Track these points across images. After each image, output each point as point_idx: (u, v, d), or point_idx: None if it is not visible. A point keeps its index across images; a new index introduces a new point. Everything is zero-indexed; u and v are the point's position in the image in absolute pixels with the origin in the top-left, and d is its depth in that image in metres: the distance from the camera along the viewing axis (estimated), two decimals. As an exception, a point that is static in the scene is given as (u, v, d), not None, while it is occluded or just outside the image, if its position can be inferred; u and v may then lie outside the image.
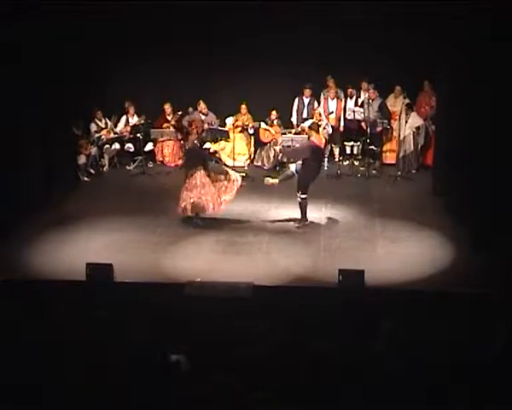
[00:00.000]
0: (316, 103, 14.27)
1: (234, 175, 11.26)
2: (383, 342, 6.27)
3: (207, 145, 13.62)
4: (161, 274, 9.50)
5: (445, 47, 11.66)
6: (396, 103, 13.98)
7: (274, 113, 14.26)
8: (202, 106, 14.21)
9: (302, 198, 10.94)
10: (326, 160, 14.19)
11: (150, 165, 14.35)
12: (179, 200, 10.95)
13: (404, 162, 13.51)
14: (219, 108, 14.37)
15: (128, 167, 14.22)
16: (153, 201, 12.17)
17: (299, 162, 11.05)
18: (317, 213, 11.52)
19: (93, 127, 14.00)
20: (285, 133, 13.75)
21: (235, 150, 13.99)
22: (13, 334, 6.35)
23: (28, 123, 11.30)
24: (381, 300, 8.26)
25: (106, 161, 14.11)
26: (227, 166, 13.86)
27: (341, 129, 14.32)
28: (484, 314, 7.35)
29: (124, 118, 14.32)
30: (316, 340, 6.23)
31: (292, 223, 11.16)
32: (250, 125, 14.36)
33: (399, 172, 13.32)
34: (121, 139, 14.25)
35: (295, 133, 13.67)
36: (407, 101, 13.59)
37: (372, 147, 13.72)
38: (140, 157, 14.09)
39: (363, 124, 13.74)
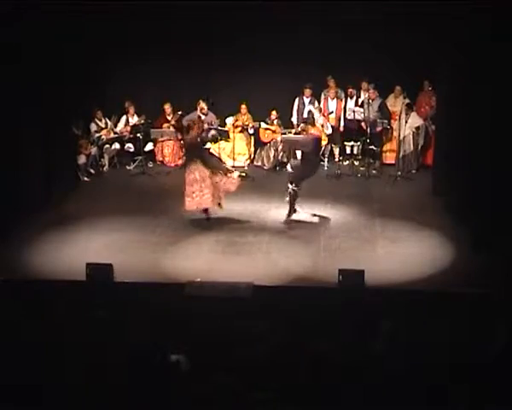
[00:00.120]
0: (316, 103, 14.26)
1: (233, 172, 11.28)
2: (383, 342, 6.27)
3: (207, 145, 13.63)
4: (161, 274, 9.49)
5: (445, 47, 11.66)
6: (396, 103, 13.98)
7: (274, 113, 14.26)
8: (202, 106, 14.21)
9: (294, 190, 10.95)
10: (326, 160, 14.22)
11: (150, 165, 14.35)
12: (184, 196, 10.94)
13: (403, 162, 13.51)
14: (219, 108, 14.36)
15: (128, 167, 14.22)
16: (153, 201, 12.17)
17: (299, 158, 11.12)
18: (317, 213, 11.51)
19: (93, 127, 14.00)
20: (285, 133, 13.73)
21: (235, 150, 13.99)
22: (13, 334, 6.35)
23: (28, 123, 11.30)
24: (381, 300, 8.26)
25: (106, 160, 14.11)
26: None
27: (341, 129, 14.32)
28: (484, 314, 7.35)
29: (124, 118, 14.32)
30: (316, 340, 6.23)
31: (292, 223, 11.17)
32: (250, 125, 14.36)
33: (399, 172, 13.32)
34: (121, 139, 14.25)
35: (295, 133, 13.65)
36: (407, 101, 13.59)
37: (372, 147, 13.72)
38: (140, 157, 14.10)
39: (363, 124, 13.74)
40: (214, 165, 11.24)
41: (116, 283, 8.83)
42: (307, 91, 14.17)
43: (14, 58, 10.66)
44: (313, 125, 11.22)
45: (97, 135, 13.95)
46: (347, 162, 14.13)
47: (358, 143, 14.06)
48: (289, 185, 10.98)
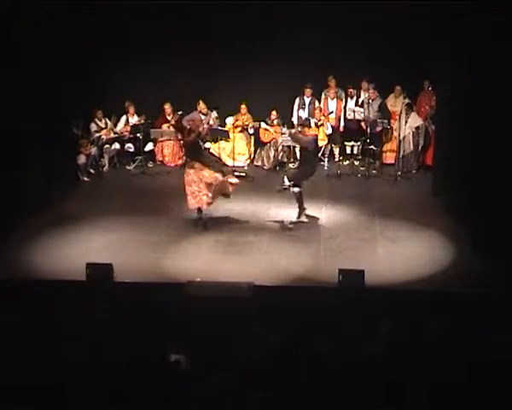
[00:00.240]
0: (317, 103, 14.27)
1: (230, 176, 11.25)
2: (383, 342, 6.27)
3: (207, 145, 13.64)
4: (161, 274, 9.50)
5: (446, 47, 11.66)
6: (396, 103, 13.98)
7: (274, 113, 14.26)
8: (202, 106, 14.20)
9: (295, 191, 11.00)
10: (326, 160, 14.22)
11: (150, 165, 14.35)
12: (185, 196, 10.96)
13: (403, 162, 13.51)
14: (219, 108, 14.34)
15: (128, 167, 14.22)
16: (153, 201, 12.17)
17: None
18: (317, 213, 11.51)
19: (93, 127, 13.99)
20: (285, 133, 13.74)
21: (235, 150, 13.99)
22: (13, 334, 6.35)
23: (28, 123, 11.30)
24: (381, 300, 8.26)
25: (106, 160, 14.11)
26: (226, 165, 13.94)
27: (341, 129, 14.32)
28: (484, 314, 7.35)
29: (124, 118, 14.31)
30: (316, 340, 6.23)
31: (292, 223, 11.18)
32: (250, 125, 14.36)
33: (399, 172, 13.32)
34: (121, 139, 14.24)
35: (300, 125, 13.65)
36: (407, 101, 13.60)
37: (372, 147, 13.72)
38: (140, 157, 14.10)
39: (362, 124, 13.75)
40: (212, 166, 11.20)
41: (116, 283, 8.83)
42: (308, 91, 14.17)
43: (14, 58, 10.66)
44: (309, 126, 11.24)
45: (97, 135, 13.95)
46: (347, 162, 14.13)
47: (358, 143, 14.07)
48: (291, 189, 10.98)
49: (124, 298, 8.32)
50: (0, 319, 6.70)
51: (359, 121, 13.77)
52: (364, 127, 13.70)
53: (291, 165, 13.85)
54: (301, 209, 11.15)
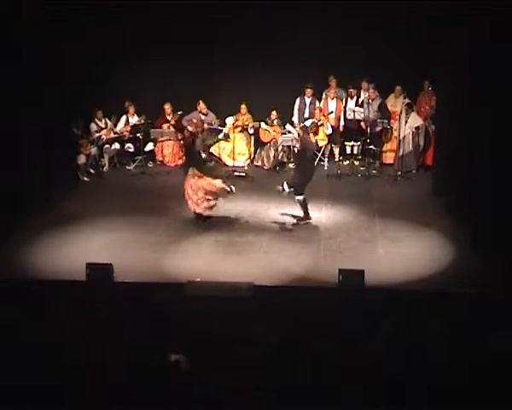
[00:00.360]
0: (317, 103, 14.27)
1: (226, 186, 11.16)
2: (383, 342, 6.27)
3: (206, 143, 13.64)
4: (161, 274, 9.50)
5: (445, 47, 11.66)
6: (396, 103, 13.98)
7: (274, 113, 14.26)
8: (202, 106, 14.20)
9: (299, 199, 10.97)
10: (326, 160, 14.22)
11: (150, 165, 14.34)
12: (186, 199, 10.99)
13: (402, 162, 13.50)
14: (219, 108, 14.36)
15: (128, 167, 14.21)
16: (153, 201, 12.16)
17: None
18: (317, 213, 11.52)
19: (93, 127, 13.98)
20: (285, 133, 13.75)
21: (235, 150, 13.98)
22: (13, 334, 6.35)
23: (28, 123, 11.30)
24: (381, 300, 8.26)
25: (106, 161, 14.10)
26: (226, 165, 13.94)
27: (341, 129, 14.32)
28: (484, 314, 7.35)
29: (124, 118, 14.30)
30: (316, 340, 6.23)
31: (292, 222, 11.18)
32: (250, 125, 14.36)
33: (399, 172, 13.32)
34: (121, 139, 14.24)
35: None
36: (407, 101, 13.60)
37: (372, 147, 13.72)
38: (140, 157, 14.09)
39: (362, 124, 13.75)
40: (211, 173, 11.15)
41: (116, 283, 8.83)
42: (308, 91, 14.16)
43: (14, 58, 10.66)
44: (308, 133, 11.15)
45: (97, 135, 13.94)
46: (347, 162, 14.12)
47: (358, 143, 14.07)
48: (296, 197, 10.96)
49: (124, 298, 8.32)
50: (0, 319, 6.70)
51: (359, 121, 13.77)
52: (364, 127, 13.70)
53: (291, 165, 13.85)
54: (306, 216, 11.11)
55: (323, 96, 14.38)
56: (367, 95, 13.82)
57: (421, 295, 8.60)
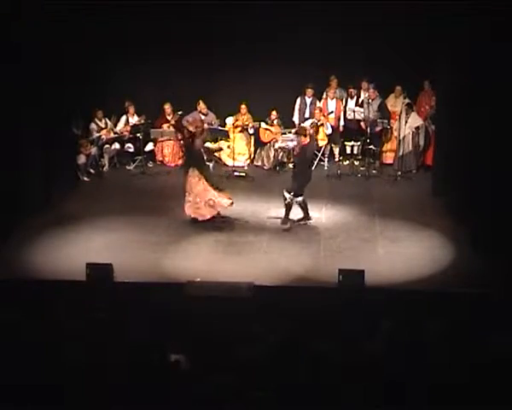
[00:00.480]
0: (318, 103, 14.26)
1: (224, 200, 11.03)
2: (383, 342, 6.27)
3: (207, 145, 13.62)
4: (161, 274, 9.50)
5: (445, 47, 11.66)
6: (396, 103, 13.98)
7: (274, 113, 14.26)
8: (202, 106, 14.20)
9: (299, 200, 10.92)
10: (326, 160, 14.22)
11: (150, 165, 14.34)
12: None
13: (402, 162, 13.50)
14: (219, 108, 14.36)
15: (128, 167, 14.21)
16: (153, 201, 12.16)
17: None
18: (317, 213, 11.51)
19: (93, 127, 13.97)
20: (285, 133, 13.74)
21: (235, 150, 13.99)
22: (13, 334, 6.35)
23: (28, 123, 11.30)
24: (381, 300, 8.26)
25: (106, 161, 14.10)
26: (226, 165, 13.93)
27: (341, 129, 14.31)
28: (484, 314, 7.35)
29: (124, 118, 14.30)
30: (316, 340, 6.23)
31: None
32: (250, 125, 14.36)
33: (399, 172, 13.33)
34: (121, 139, 14.24)
35: (295, 133, 13.65)
36: (407, 101, 13.61)
37: (372, 147, 13.72)
38: (140, 157, 14.09)
39: (362, 124, 13.75)
40: (210, 179, 11.07)
41: (116, 283, 8.83)
42: (309, 91, 14.15)
43: (14, 58, 10.66)
44: (305, 135, 11.05)
45: (97, 135, 13.94)
46: (347, 162, 14.12)
47: (358, 143, 14.07)
48: (294, 199, 10.89)
49: (124, 298, 8.32)
50: (0, 319, 6.71)
51: (359, 121, 13.78)
52: (364, 127, 13.70)
53: (291, 165, 13.84)
54: (306, 216, 11.10)
55: (324, 95, 14.37)
56: (367, 95, 13.82)
57: (421, 295, 8.61)
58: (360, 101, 13.97)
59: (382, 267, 9.61)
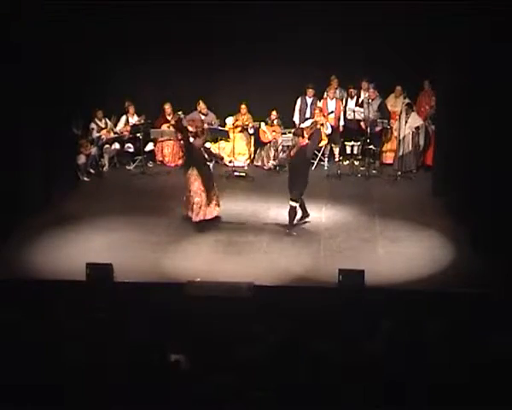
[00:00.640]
0: (318, 103, 14.27)
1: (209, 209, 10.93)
2: (383, 342, 6.27)
3: (207, 145, 13.62)
4: (161, 274, 9.50)
5: (445, 47, 11.66)
6: (396, 103, 13.99)
7: (274, 113, 14.26)
8: (202, 106, 14.21)
9: (293, 206, 10.78)
10: (326, 160, 14.23)
11: (150, 165, 14.35)
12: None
13: (402, 162, 13.50)
14: (219, 108, 14.36)
15: (128, 167, 14.22)
16: (153, 201, 12.16)
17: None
18: (317, 213, 11.51)
19: (93, 127, 13.98)
20: (285, 133, 13.74)
21: (235, 150, 13.99)
22: (13, 334, 6.35)
23: (28, 123, 11.30)
24: (381, 300, 8.26)
25: (106, 161, 14.10)
26: (226, 165, 13.92)
27: (341, 129, 14.32)
28: (484, 314, 7.35)
29: (124, 118, 14.31)
30: (316, 340, 6.23)
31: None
32: (250, 125, 14.36)
33: (399, 172, 13.33)
34: (121, 139, 14.24)
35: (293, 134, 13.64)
36: (407, 101, 13.61)
37: (372, 147, 13.72)
38: (140, 157, 14.10)
39: (362, 124, 13.75)
40: (207, 179, 10.97)
41: (116, 283, 8.83)
42: (310, 91, 14.16)
43: (14, 58, 10.66)
44: (303, 136, 10.95)
45: (97, 135, 13.94)
46: (347, 162, 14.13)
47: (358, 143, 14.07)
48: (292, 203, 10.78)
49: (124, 298, 8.32)
50: (0, 319, 6.71)
51: (359, 121, 13.78)
52: (364, 127, 13.70)
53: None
54: (304, 213, 11.09)
55: (324, 95, 14.37)
56: (367, 95, 13.82)
57: (421, 295, 8.60)
58: (360, 101, 13.97)
59: (382, 267, 9.61)
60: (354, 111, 13.72)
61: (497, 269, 9.11)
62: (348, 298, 8.32)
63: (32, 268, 9.59)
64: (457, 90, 11.15)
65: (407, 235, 10.75)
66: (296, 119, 14.29)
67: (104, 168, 14.08)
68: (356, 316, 7.38)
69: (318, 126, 13.22)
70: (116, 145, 14.20)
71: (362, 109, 13.59)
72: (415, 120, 13.50)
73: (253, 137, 14.55)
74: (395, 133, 13.76)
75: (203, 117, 14.04)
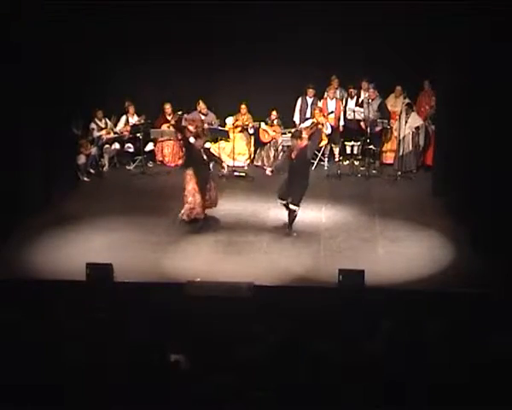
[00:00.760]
0: (319, 103, 14.26)
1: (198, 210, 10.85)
2: (383, 342, 6.27)
3: (207, 145, 13.63)
4: (161, 274, 9.50)
5: (445, 47, 11.66)
6: (397, 103, 13.99)
7: (274, 113, 14.26)
8: (202, 106, 14.21)
9: (293, 209, 10.71)
10: (326, 160, 14.23)
11: (150, 165, 14.35)
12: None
13: (402, 162, 13.50)
14: (219, 108, 14.36)
15: (128, 167, 14.22)
16: (153, 201, 12.16)
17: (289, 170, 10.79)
18: (317, 213, 11.51)
19: (93, 127, 13.98)
20: (285, 133, 13.75)
21: (235, 150, 13.99)
22: (13, 334, 6.35)
23: (28, 123, 11.30)
24: (381, 300, 8.26)
25: (106, 161, 14.11)
26: (226, 165, 13.92)
27: (341, 129, 14.32)
28: (484, 314, 7.35)
29: (124, 118, 14.31)
30: (316, 340, 6.23)
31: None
32: (250, 125, 14.36)
33: (399, 172, 13.33)
34: (121, 139, 14.24)
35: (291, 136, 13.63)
36: (407, 101, 13.61)
37: (372, 147, 13.72)
38: (140, 157, 14.10)
39: (362, 124, 13.75)
40: (203, 181, 10.90)
41: (116, 283, 8.83)
42: (310, 91, 14.16)
43: (14, 58, 10.66)
44: (301, 138, 10.88)
45: (97, 135, 13.94)
46: (347, 162, 14.13)
47: (358, 143, 14.08)
48: (292, 206, 10.69)
49: (124, 298, 8.32)
50: (0, 319, 6.71)
51: (359, 121, 13.78)
52: (364, 127, 13.70)
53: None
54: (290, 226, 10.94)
55: (325, 95, 14.37)
56: (367, 95, 13.82)
57: (421, 295, 8.60)
58: (360, 101, 13.97)
59: (382, 267, 9.61)
60: (354, 111, 13.72)
61: (497, 269, 9.11)
62: (348, 298, 8.32)
63: (32, 268, 9.59)
64: (457, 90, 11.15)
65: (407, 235, 10.75)
66: (296, 119, 14.29)
67: (104, 168, 14.08)
68: (356, 316, 7.38)
69: (320, 127, 13.27)
70: (116, 145, 14.20)
71: (362, 109, 13.59)
72: (415, 120, 13.50)
73: (253, 137, 14.55)
74: (395, 133, 13.76)
75: (203, 117, 14.04)
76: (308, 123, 13.84)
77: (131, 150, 14.30)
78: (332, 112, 14.19)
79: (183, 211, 10.77)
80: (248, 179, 13.36)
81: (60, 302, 7.72)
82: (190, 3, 13.06)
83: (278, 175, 11.38)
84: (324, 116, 13.98)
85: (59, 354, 6.00)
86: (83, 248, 10.18)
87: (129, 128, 14.16)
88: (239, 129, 14.32)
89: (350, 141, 14.27)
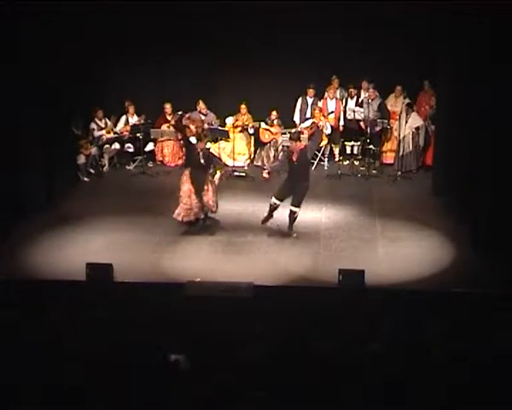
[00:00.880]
0: (319, 103, 14.26)
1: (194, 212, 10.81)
2: (383, 342, 6.27)
3: (207, 145, 13.62)
4: (161, 274, 9.50)
5: (445, 47, 11.66)
6: (397, 103, 13.98)
7: (274, 113, 14.26)
8: (202, 106, 14.20)
9: (294, 211, 10.67)
10: (326, 160, 14.23)
11: (150, 165, 14.34)
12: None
13: (402, 162, 13.50)
14: (219, 108, 14.36)
15: (128, 167, 14.21)
16: (153, 201, 12.16)
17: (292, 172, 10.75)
18: (317, 213, 11.51)
19: (93, 127, 13.98)
20: (285, 133, 13.74)
21: (235, 150, 13.98)
22: (13, 334, 6.35)
23: (28, 123, 11.30)
24: (381, 300, 8.26)
25: (106, 161, 14.10)
26: (226, 165, 13.92)
27: (341, 129, 14.31)
28: (484, 314, 7.35)
29: (123, 118, 14.30)
30: (316, 340, 6.23)
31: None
32: (250, 125, 14.36)
33: (399, 172, 13.33)
34: (121, 139, 14.24)
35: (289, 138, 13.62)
36: (407, 101, 13.61)
37: (372, 147, 13.72)
38: (140, 157, 14.09)
39: (362, 124, 13.75)
40: (200, 183, 10.79)
41: (116, 283, 8.83)
42: (310, 91, 14.16)
43: (13, 58, 10.66)
44: (299, 140, 10.83)
45: (97, 135, 13.94)
46: (347, 162, 14.12)
47: (358, 143, 14.07)
48: (293, 209, 10.68)
49: (124, 298, 8.32)
50: (0, 319, 6.70)
51: (359, 121, 13.78)
52: (364, 127, 13.70)
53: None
54: (270, 216, 10.93)
55: (325, 95, 14.37)
56: (367, 95, 13.82)
57: (421, 295, 8.60)
58: (360, 101, 13.97)
59: (382, 267, 9.61)
60: (354, 111, 13.72)
61: (497, 269, 9.11)
62: (348, 298, 8.32)
63: (32, 268, 9.59)
64: (457, 90, 11.15)
65: (407, 235, 10.75)
66: (296, 119, 14.29)
67: (104, 168, 14.08)
68: (356, 316, 7.38)
69: (320, 127, 13.26)
70: (116, 145, 14.20)
71: (362, 109, 13.59)
72: (415, 120, 13.49)
73: (253, 137, 14.55)
74: (395, 133, 13.76)
75: (203, 117, 14.05)
76: (308, 123, 13.85)
77: (131, 150, 14.30)
78: (332, 112, 14.18)
79: (177, 211, 10.75)
80: (248, 179, 13.36)
81: (60, 302, 7.72)
82: (190, 3, 13.04)
83: (278, 176, 11.37)
84: (324, 116, 13.98)
85: (59, 354, 6.00)
86: (83, 248, 10.18)
87: (129, 128, 14.15)
88: (239, 129, 14.32)
89: (350, 141, 14.27)
